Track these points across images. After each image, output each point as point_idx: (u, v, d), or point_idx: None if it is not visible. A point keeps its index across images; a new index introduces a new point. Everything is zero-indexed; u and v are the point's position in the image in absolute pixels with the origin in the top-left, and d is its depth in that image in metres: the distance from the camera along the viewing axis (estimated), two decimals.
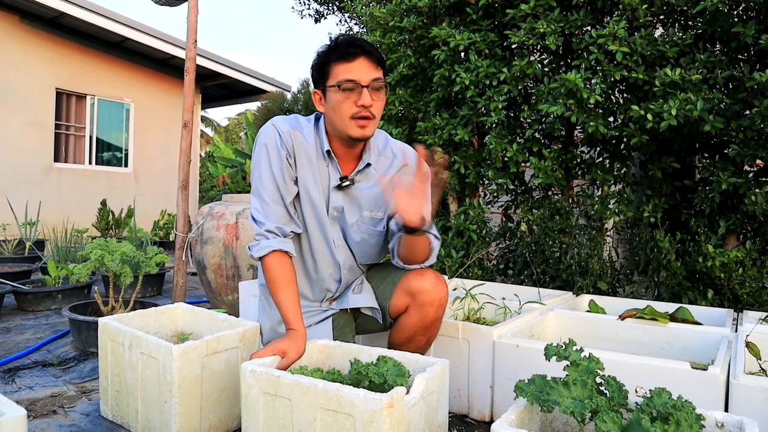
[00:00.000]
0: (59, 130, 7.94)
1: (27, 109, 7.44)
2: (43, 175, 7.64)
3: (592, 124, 2.60)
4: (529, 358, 1.68)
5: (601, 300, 2.45)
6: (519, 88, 2.92)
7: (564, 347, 1.18)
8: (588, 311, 2.34)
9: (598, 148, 3.02)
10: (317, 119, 1.68)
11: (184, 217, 2.97)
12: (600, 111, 2.72)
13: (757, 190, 2.40)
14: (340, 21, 8.59)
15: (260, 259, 1.57)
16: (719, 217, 2.60)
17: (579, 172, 3.05)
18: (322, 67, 1.58)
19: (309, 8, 8.63)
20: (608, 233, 3.05)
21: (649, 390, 1.08)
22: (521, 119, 3.09)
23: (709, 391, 1.44)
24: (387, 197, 1.52)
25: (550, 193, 3.21)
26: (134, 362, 1.64)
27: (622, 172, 2.92)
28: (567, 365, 1.16)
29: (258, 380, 1.31)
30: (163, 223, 7.15)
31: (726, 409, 1.43)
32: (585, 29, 2.79)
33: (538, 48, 3.04)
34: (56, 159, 7.87)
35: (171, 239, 6.66)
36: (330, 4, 8.47)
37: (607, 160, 2.96)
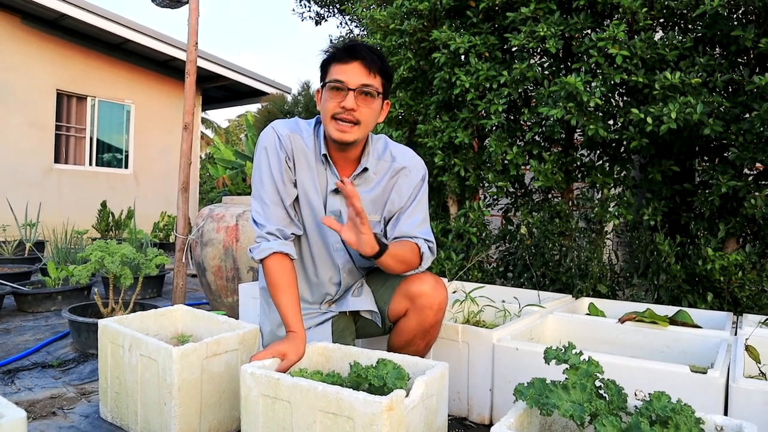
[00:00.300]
0: (60, 132, 7.95)
1: (28, 110, 7.46)
2: (44, 176, 7.65)
3: (592, 127, 2.60)
4: (528, 361, 1.68)
5: (600, 303, 2.45)
6: (519, 91, 2.93)
7: (563, 350, 1.18)
8: (588, 314, 2.34)
9: (598, 151, 3.02)
10: (318, 123, 1.69)
11: (184, 219, 2.97)
12: (600, 114, 2.73)
13: (756, 194, 2.41)
14: (341, 23, 8.59)
15: (261, 261, 1.57)
16: (719, 221, 2.60)
17: (579, 175, 3.05)
18: (324, 65, 1.61)
19: (310, 11, 8.63)
20: (608, 236, 3.05)
21: (649, 393, 1.08)
22: (521, 122, 3.09)
23: (709, 395, 1.44)
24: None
25: (550, 196, 3.21)
26: (134, 364, 1.64)
27: (622, 175, 2.92)
28: (566, 368, 1.16)
29: (258, 383, 1.31)
30: (163, 225, 7.15)
31: (725, 413, 1.43)
32: (585, 32, 2.79)
33: (539, 51, 3.04)
34: (56, 160, 7.88)
35: (171, 241, 6.67)
36: (331, 7, 8.47)
37: (607, 163, 2.96)
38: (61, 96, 7.92)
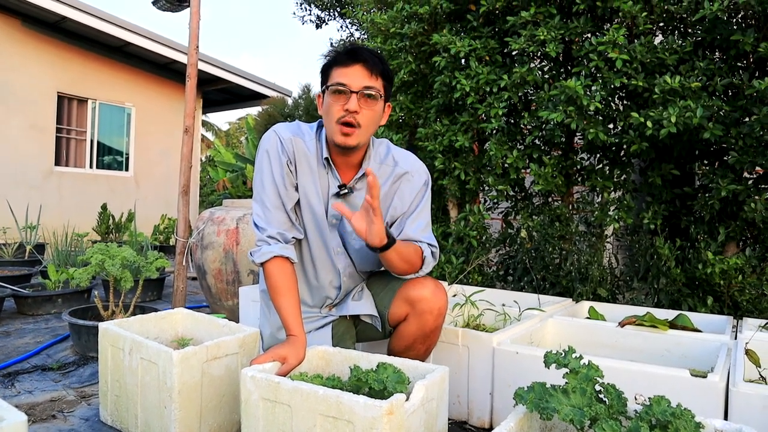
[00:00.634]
0: (60, 134, 7.95)
1: (28, 112, 7.46)
2: (44, 178, 7.65)
3: (592, 131, 2.61)
4: (528, 365, 1.68)
5: (600, 307, 2.45)
6: (519, 94, 2.93)
7: (563, 354, 1.19)
8: (588, 318, 2.34)
9: (598, 155, 3.03)
10: (320, 127, 1.69)
11: (184, 222, 2.97)
12: (600, 118, 2.73)
13: (756, 198, 2.41)
14: (341, 27, 8.60)
15: (262, 264, 1.57)
16: (719, 224, 2.61)
17: (579, 179, 3.05)
18: (325, 69, 1.61)
19: (310, 14, 8.64)
20: (608, 240, 3.05)
21: (649, 398, 1.08)
22: (521, 126, 3.10)
23: (709, 399, 1.44)
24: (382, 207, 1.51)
25: (550, 199, 3.22)
26: (134, 367, 1.64)
27: (622, 178, 2.93)
28: (566, 373, 1.16)
29: (258, 386, 1.31)
30: (163, 228, 7.15)
31: (725, 417, 1.43)
32: (585, 36, 2.80)
33: (539, 55, 3.05)
34: (57, 163, 7.88)
35: (171, 244, 6.66)
36: (331, 10, 8.49)
37: (607, 167, 2.97)
38: (61, 98, 7.92)
